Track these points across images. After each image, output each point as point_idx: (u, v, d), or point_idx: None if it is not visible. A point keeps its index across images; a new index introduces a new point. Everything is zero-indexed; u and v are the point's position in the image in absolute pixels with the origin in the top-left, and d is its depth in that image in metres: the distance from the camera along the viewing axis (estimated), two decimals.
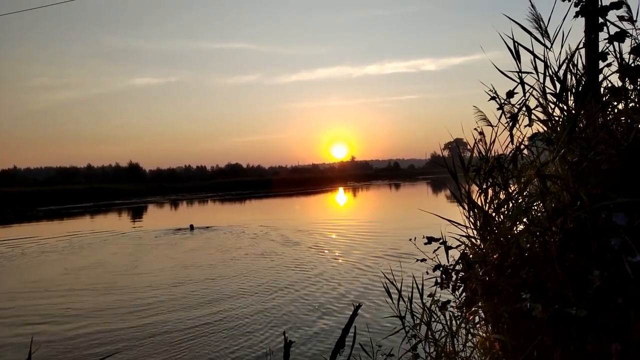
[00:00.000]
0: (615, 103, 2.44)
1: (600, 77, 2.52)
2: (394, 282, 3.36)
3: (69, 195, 46.12)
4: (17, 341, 6.61)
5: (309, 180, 69.63)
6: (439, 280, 2.84)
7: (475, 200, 2.71)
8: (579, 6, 2.54)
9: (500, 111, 2.72)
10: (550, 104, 2.59)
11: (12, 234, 20.27)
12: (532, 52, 2.58)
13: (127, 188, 54.89)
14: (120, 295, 8.85)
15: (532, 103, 2.63)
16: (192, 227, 19.09)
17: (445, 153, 3.40)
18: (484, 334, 2.64)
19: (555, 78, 2.55)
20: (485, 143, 2.83)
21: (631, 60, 2.41)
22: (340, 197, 42.30)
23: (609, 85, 2.50)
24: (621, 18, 2.42)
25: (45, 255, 14.08)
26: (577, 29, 2.56)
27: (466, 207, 2.76)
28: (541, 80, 2.58)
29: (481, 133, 2.87)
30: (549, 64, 2.55)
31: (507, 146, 2.72)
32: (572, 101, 2.51)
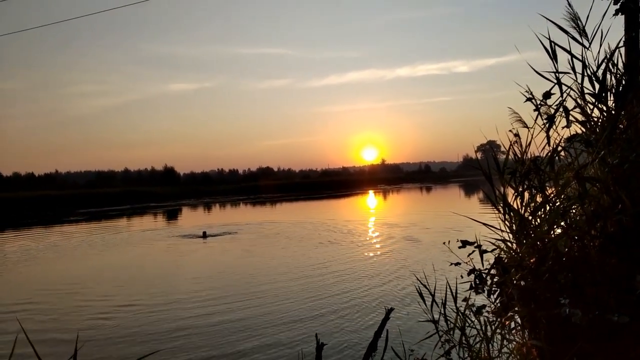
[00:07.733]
0: None
1: None
2: (427, 286, 3.33)
3: (107, 198, 47.75)
4: (63, 337, 6.90)
5: (339, 183, 69.58)
6: (473, 284, 2.80)
7: (511, 203, 2.67)
8: (619, 4, 2.47)
9: (537, 112, 2.67)
10: (588, 104, 2.52)
11: (53, 232, 21.17)
12: (569, 52, 2.53)
13: (162, 191, 56.28)
14: (163, 291, 9.11)
15: (570, 104, 2.57)
16: (205, 234, 18.35)
17: (479, 155, 3.35)
18: (520, 340, 2.59)
19: (594, 78, 2.48)
20: (521, 145, 2.78)
21: None
22: (371, 200, 42.08)
23: None
24: None
25: (78, 252, 14.65)
26: (616, 27, 2.50)
27: (501, 211, 2.72)
28: (579, 81, 2.53)
29: (516, 135, 2.82)
30: (587, 64, 2.49)
31: (543, 148, 2.67)
32: (612, 101, 2.44)
